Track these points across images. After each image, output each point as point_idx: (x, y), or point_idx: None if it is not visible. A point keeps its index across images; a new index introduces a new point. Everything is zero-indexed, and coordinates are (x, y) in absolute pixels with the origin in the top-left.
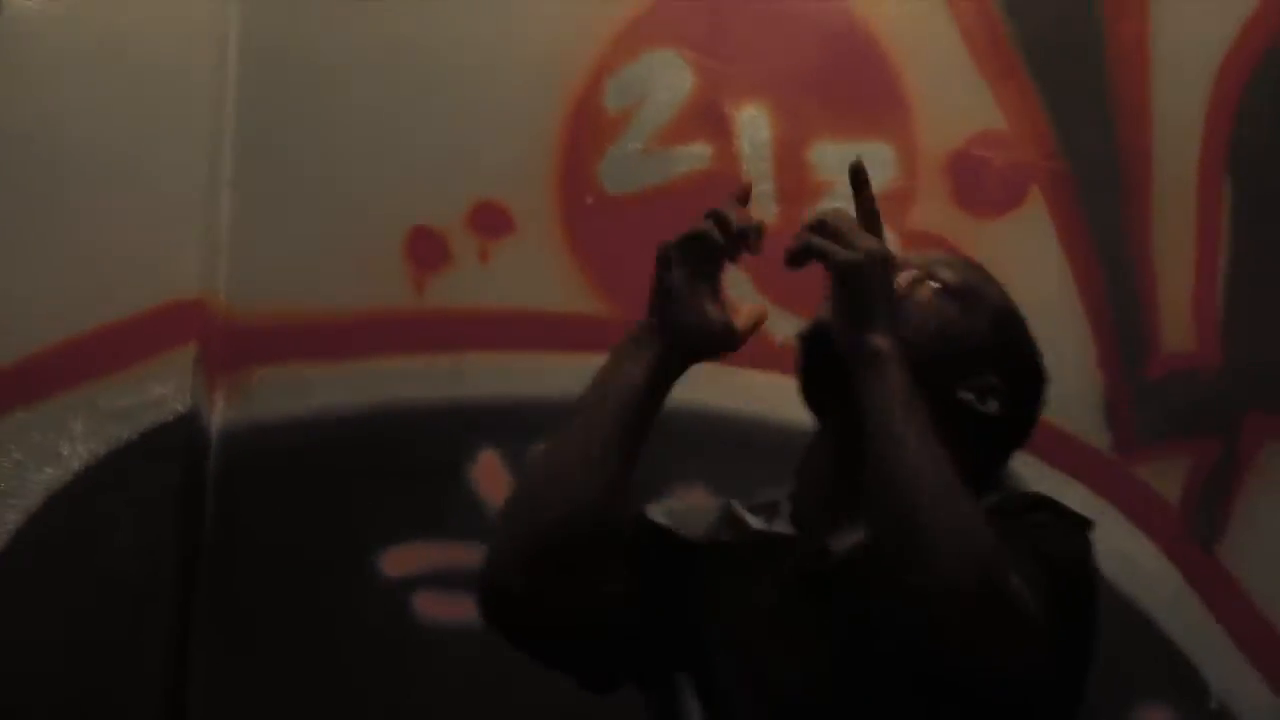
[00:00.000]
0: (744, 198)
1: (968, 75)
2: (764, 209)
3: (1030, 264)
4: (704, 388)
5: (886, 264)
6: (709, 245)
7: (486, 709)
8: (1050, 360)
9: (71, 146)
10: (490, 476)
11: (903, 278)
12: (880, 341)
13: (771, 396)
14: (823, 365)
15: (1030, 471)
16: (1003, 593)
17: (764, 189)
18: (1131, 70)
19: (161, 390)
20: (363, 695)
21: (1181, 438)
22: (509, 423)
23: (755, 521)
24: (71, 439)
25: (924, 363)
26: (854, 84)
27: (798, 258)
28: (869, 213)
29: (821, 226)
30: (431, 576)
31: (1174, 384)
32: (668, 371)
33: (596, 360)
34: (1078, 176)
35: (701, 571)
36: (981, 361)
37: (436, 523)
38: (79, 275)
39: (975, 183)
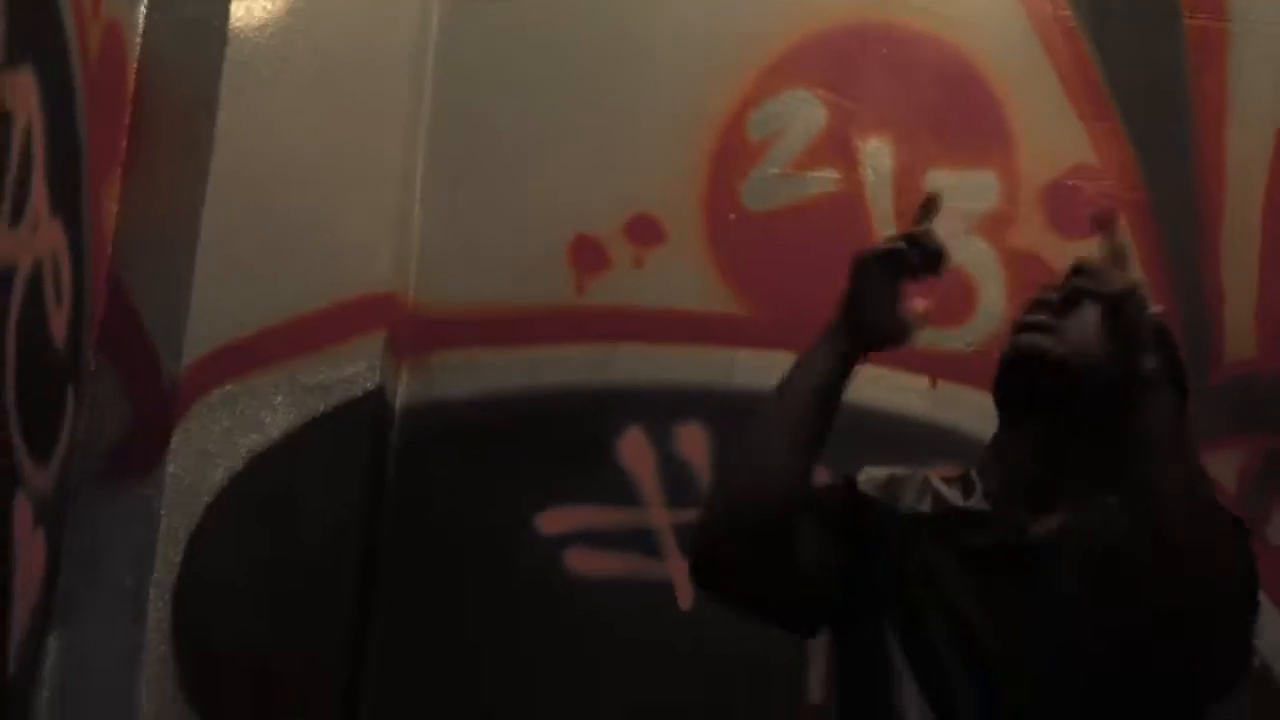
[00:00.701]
0: (931, 209)
1: (1066, 114)
2: (884, 227)
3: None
4: None
5: (1143, 294)
6: (902, 261)
7: (627, 652)
8: None
9: (286, 158)
10: (635, 450)
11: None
12: (1151, 366)
13: (883, 386)
14: (1028, 378)
15: None
16: (1245, 601)
17: (885, 209)
18: (1209, 115)
19: (354, 369)
20: (519, 638)
21: (1239, 435)
22: (654, 405)
23: (953, 496)
24: (273, 409)
25: (1107, 382)
26: (965, 120)
27: (1068, 300)
28: (1118, 254)
29: (1081, 269)
30: (582, 535)
31: (1234, 388)
32: (853, 362)
33: (733, 352)
34: (1158, 206)
35: (904, 537)
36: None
37: (588, 489)
38: (288, 269)
39: (1068, 209)
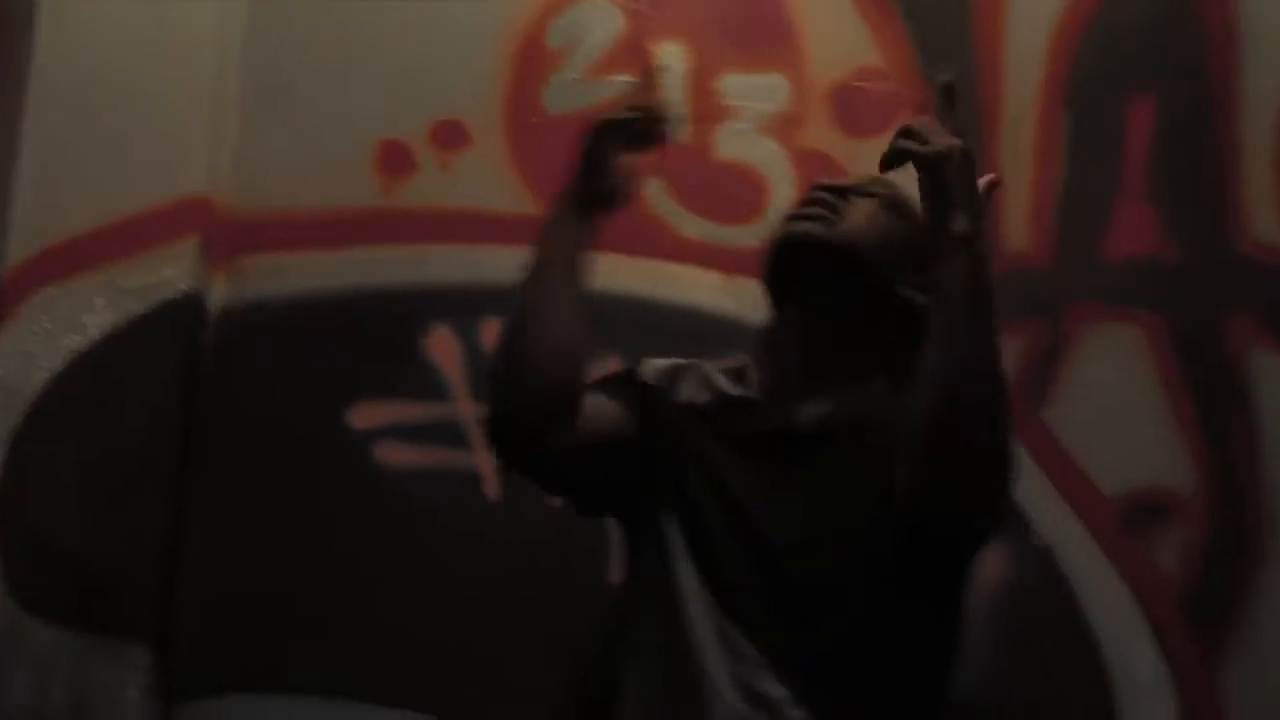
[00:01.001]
0: (653, 80)
1: (851, 18)
2: (679, 130)
3: (898, 179)
4: (623, 276)
5: (967, 157)
6: (629, 131)
7: (437, 540)
8: None
9: (102, 70)
10: (443, 347)
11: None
12: (962, 226)
13: (679, 283)
14: (794, 265)
15: None
16: (1012, 461)
17: (680, 113)
18: (988, 16)
19: (170, 272)
20: (332, 528)
21: (1016, 320)
22: (460, 303)
23: (728, 386)
24: (93, 311)
25: (873, 265)
26: (755, 25)
27: (890, 161)
28: (954, 127)
29: (908, 131)
30: (391, 429)
31: (1010, 277)
32: (594, 226)
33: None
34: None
35: (680, 425)
36: (916, 264)
37: (397, 385)
38: (105, 175)
39: (854, 109)
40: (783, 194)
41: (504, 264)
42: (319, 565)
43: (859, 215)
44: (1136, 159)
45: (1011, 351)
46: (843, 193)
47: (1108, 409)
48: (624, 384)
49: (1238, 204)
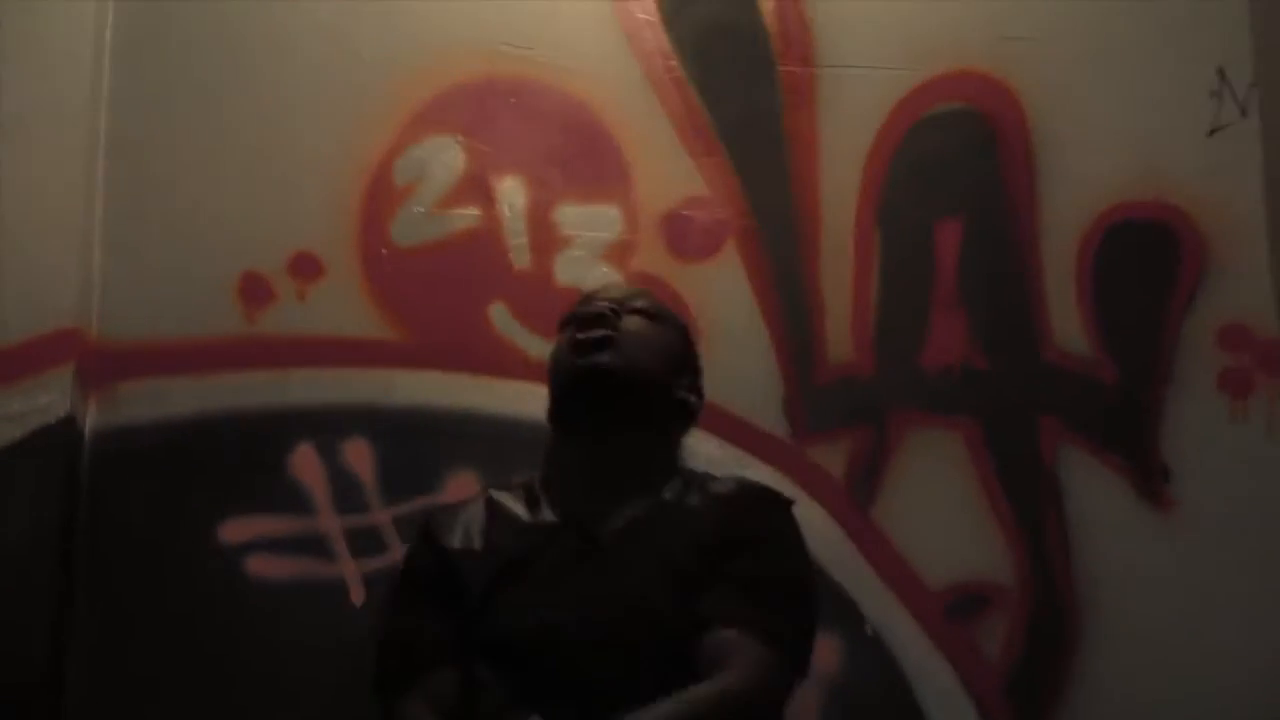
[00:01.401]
0: None
1: (678, 153)
2: (520, 258)
3: (727, 298)
4: (475, 394)
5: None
6: None
7: (306, 643)
8: (742, 371)
9: None
10: (306, 464)
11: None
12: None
13: (526, 399)
14: (589, 393)
15: (728, 455)
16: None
17: (520, 242)
18: (804, 150)
19: (47, 399)
20: (209, 638)
21: (843, 428)
22: (321, 423)
23: (521, 511)
24: None
25: (653, 376)
26: (588, 160)
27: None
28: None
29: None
30: (260, 542)
31: (837, 387)
32: None
33: (390, 374)
34: (763, 231)
35: (472, 572)
36: (684, 366)
37: (264, 501)
38: None
39: (684, 236)
40: None
41: (360, 386)
42: (195, 671)
43: (635, 336)
44: (946, 276)
45: (840, 455)
46: (616, 314)
47: (930, 507)
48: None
49: (1042, 315)
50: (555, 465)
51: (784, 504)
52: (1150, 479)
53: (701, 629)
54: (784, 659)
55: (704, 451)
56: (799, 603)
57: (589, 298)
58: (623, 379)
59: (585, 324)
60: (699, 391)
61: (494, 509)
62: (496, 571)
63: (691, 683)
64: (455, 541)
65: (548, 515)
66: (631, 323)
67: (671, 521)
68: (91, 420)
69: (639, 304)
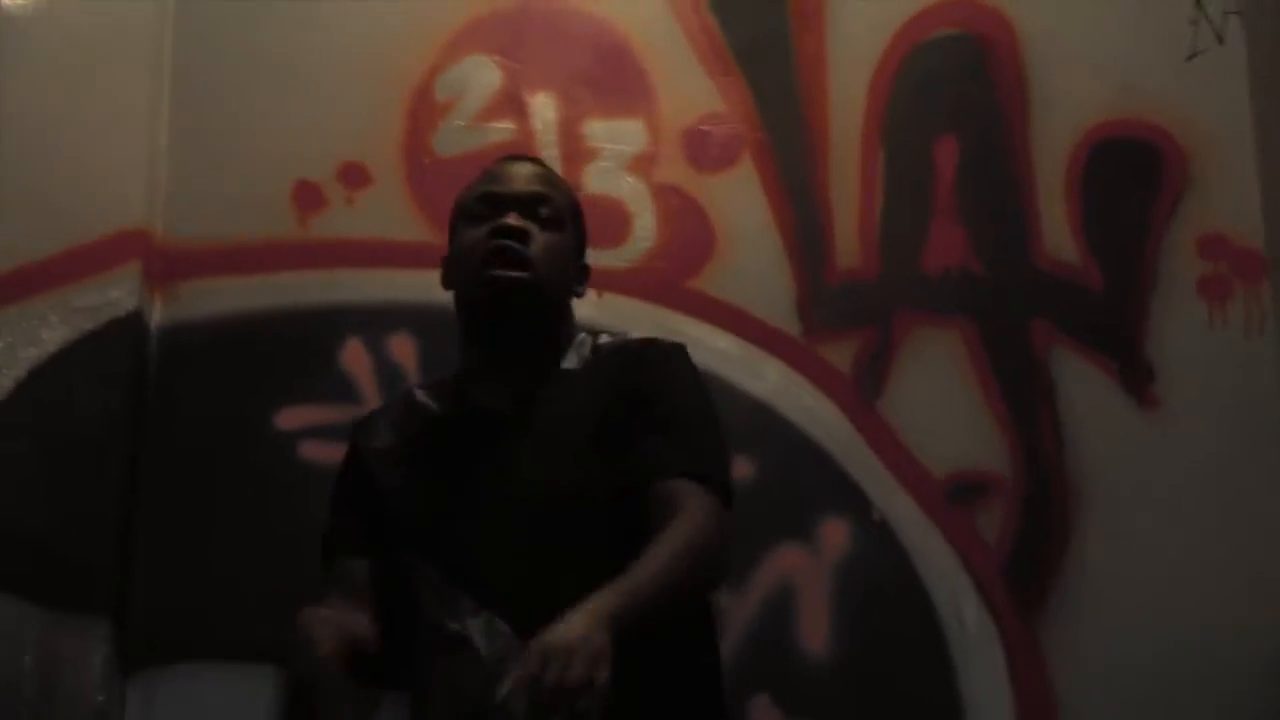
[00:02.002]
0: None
1: (697, 72)
2: (552, 168)
3: (742, 207)
4: None
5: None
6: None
7: None
8: (757, 274)
9: (53, 119)
10: (355, 358)
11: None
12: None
13: None
14: (512, 305)
15: (743, 351)
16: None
17: (551, 154)
18: (813, 70)
19: (116, 293)
20: (263, 514)
21: (851, 328)
22: (369, 320)
23: (435, 406)
24: (49, 327)
25: (559, 289)
26: (615, 79)
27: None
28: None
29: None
30: (311, 429)
31: (844, 290)
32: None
33: (431, 274)
34: (776, 145)
35: (395, 462)
36: (579, 254)
37: (316, 391)
38: (57, 209)
39: (702, 149)
40: (644, 222)
41: (405, 285)
42: (253, 546)
43: (545, 253)
44: (945, 187)
45: (848, 353)
46: (526, 233)
47: (932, 401)
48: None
49: (1035, 225)
50: (461, 352)
51: (678, 346)
52: (1136, 378)
53: (635, 481)
54: (721, 496)
55: (719, 347)
56: (719, 440)
57: (500, 200)
58: (534, 302)
59: (500, 258)
60: (587, 269)
61: (411, 405)
62: (408, 463)
63: (608, 542)
64: (376, 441)
65: (453, 403)
66: (541, 241)
67: (570, 386)
68: (157, 315)
69: (546, 211)
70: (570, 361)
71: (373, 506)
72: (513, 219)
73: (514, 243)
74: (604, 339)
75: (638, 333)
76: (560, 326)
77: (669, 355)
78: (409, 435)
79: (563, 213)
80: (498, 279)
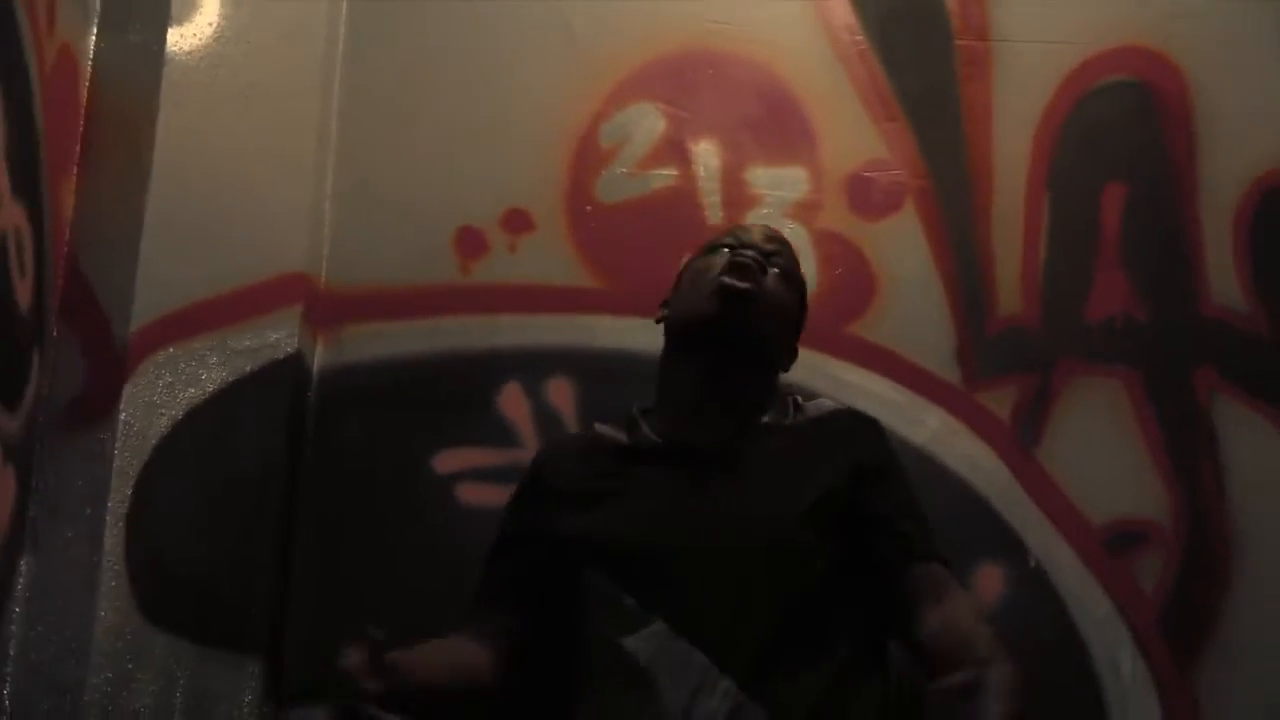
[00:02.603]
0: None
1: (861, 119)
2: (713, 214)
3: (904, 254)
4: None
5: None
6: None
7: None
8: (917, 321)
9: (215, 159)
10: (513, 401)
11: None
12: None
13: None
14: (737, 320)
15: (903, 398)
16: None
17: (713, 200)
18: (978, 118)
19: (276, 336)
20: (419, 557)
21: (1010, 374)
22: (528, 364)
23: (625, 438)
24: (208, 368)
25: (779, 335)
26: (778, 126)
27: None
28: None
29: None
30: (470, 472)
31: (1005, 337)
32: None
33: (593, 319)
34: (940, 192)
35: (581, 492)
36: (799, 324)
37: (474, 434)
38: (218, 252)
39: (865, 196)
40: (806, 268)
41: (565, 330)
42: (409, 587)
43: (772, 295)
44: (1110, 234)
45: (1007, 400)
46: (762, 269)
47: (1091, 449)
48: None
49: (1200, 272)
50: (665, 389)
51: (881, 425)
52: None
53: (890, 556)
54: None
55: (879, 393)
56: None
57: (740, 240)
58: (756, 336)
59: (735, 271)
60: (795, 352)
61: (598, 439)
62: (602, 494)
63: (809, 587)
64: (562, 473)
65: (648, 436)
66: (772, 280)
67: (778, 438)
68: (319, 358)
69: (780, 262)
70: (772, 417)
71: (544, 542)
72: (750, 254)
73: (751, 263)
74: (805, 401)
75: (830, 401)
76: (769, 378)
77: (884, 434)
78: (600, 468)
79: (793, 277)
80: (732, 286)
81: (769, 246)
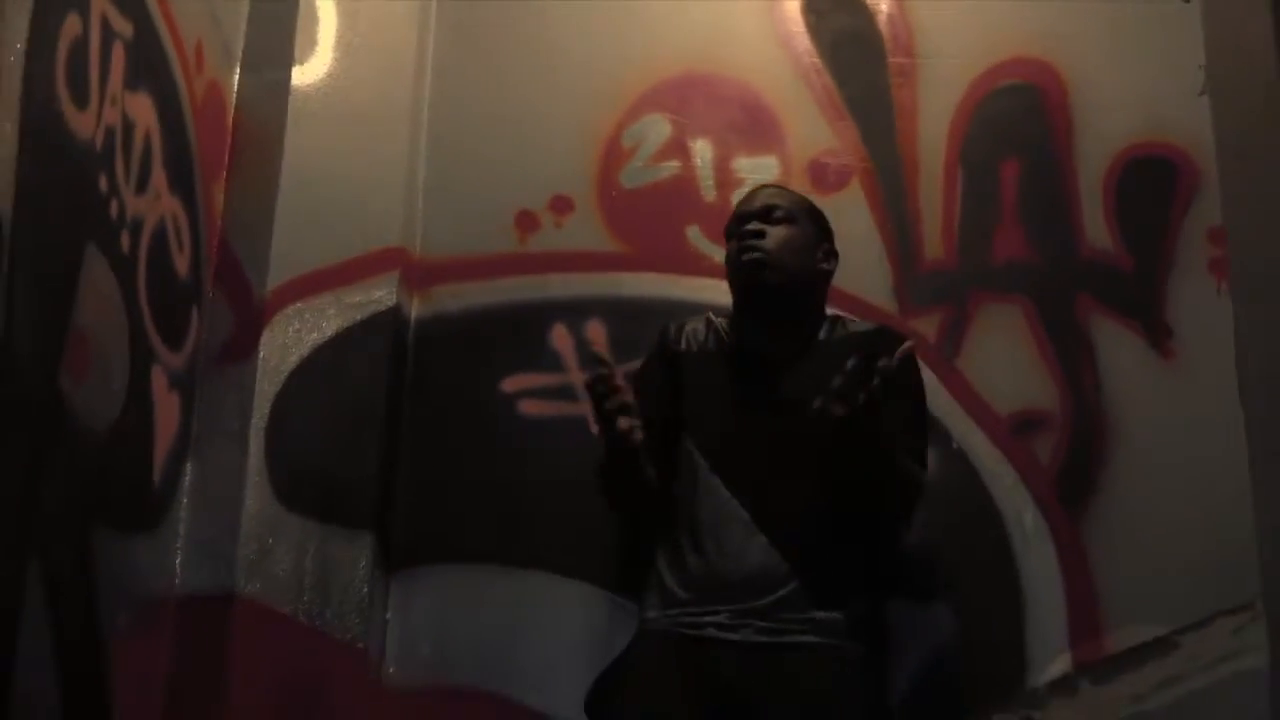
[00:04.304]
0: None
1: (818, 120)
2: (708, 194)
3: (854, 218)
4: (675, 288)
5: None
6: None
7: (560, 467)
8: (863, 267)
9: (329, 165)
10: (560, 338)
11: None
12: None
13: (709, 291)
14: (755, 283)
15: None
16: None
17: (709, 184)
18: (907, 115)
19: (380, 293)
20: (493, 462)
21: (935, 305)
22: (572, 310)
23: (727, 337)
24: (327, 318)
25: (796, 269)
26: (756, 127)
27: (763, 216)
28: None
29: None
30: (528, 391)
31: (931, 277)
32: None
33: (619, 275)
34: (878, 172)
35: (694, 368)
36: (820, 240)
37: (533, 363)
38: (333, 231)
39: (822, 176)
40: None
41: (597, 284)
42: (484, 478)
43: (779, 242)
44: (1009, 198)
45: (933, 324)
46: (762, 233)
47: (999, 359)
48: (655, 367)
49: (1078, 223)
50: (741, 317)
51: (909, 341)
52: (1158, 337)
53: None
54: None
55: None
56: (927, 438)
57: (740, 214)
58: (778, 280)
59: (740, 237)
60: (833, 252)
61: (711, 326)
62: (707, 371)
63: (831, 470)
64: (682, 345)
65: (736, 344)
66: (775, 232)
67: (824, 353)
68: (414, 311)
69: (780, 211)
70: (824, 333)
71: (670, 397)
72: (751, 226)
73: (752, 240)
74: (852, 323)
75: (869, 322)
76: (810, 297)
77: (915, 363)
78: (706, 347)
79: (793, 213)
80: (745, 263)
81: (767, 203)
